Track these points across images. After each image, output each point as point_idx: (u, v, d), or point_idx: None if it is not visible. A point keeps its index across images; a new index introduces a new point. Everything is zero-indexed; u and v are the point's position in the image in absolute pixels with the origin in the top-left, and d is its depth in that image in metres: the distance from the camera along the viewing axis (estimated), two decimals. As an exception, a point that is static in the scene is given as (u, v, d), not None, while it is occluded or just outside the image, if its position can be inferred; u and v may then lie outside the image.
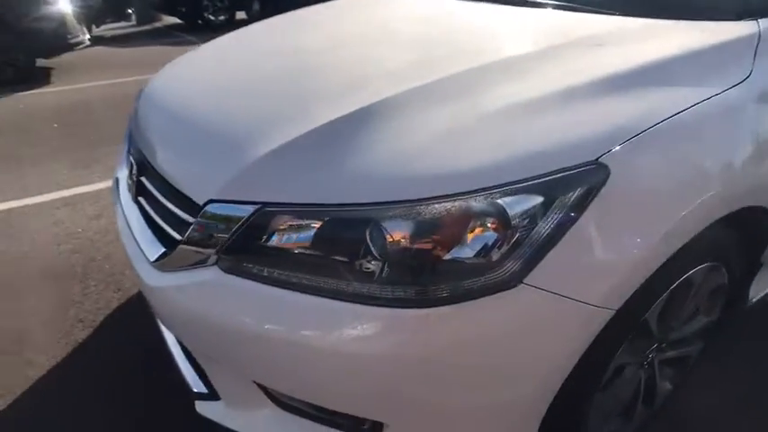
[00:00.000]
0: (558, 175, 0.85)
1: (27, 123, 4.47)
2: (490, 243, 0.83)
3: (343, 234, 0.88)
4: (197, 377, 1.22)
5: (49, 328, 1.92)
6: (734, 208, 1.06)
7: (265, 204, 0.93)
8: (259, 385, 1.06)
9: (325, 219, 0.89)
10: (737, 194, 1.05)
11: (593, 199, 0.85)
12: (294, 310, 0.91)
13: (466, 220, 0.83)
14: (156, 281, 1.11)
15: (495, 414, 0.96)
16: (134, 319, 1.25)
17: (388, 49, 1.35)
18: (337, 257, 0.89)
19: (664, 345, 1.30)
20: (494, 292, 0.83)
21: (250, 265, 0.96)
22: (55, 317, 1.98)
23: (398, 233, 0.83)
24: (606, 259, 0.88)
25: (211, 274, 1.00)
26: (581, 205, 0.85)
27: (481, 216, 0.83)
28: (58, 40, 6.13)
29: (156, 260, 1.12)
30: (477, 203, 0.83)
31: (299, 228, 0.91)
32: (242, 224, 0.95)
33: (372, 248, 0.84)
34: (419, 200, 0.83)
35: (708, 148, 0.98)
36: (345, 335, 0.86)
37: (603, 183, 0.86)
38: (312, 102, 1.09)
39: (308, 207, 0.90)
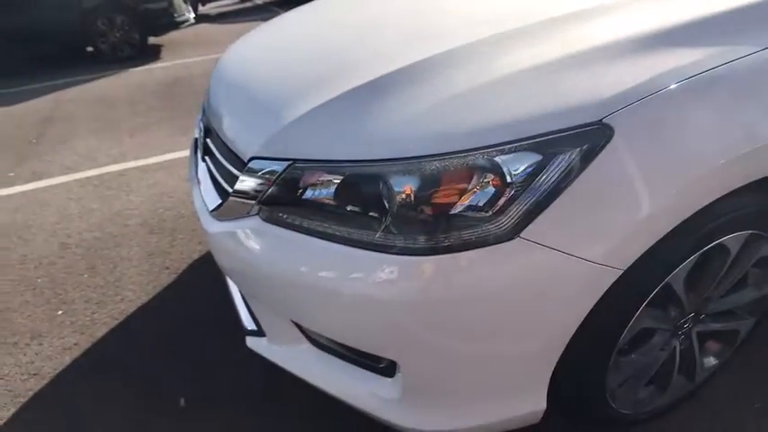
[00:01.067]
0: (559, 135, 0.87)
1: (136, 95, 5.00)
2: (488, 198, 0.88)
3: (360, 188, 0.97)
4: (248, 315, 1.39)
5: (141, 273, 2.23)
6: (758, 176, 1.00)
7: (296, 161, 1.05)
8: (295, 324, 1.20)
9: (346, 174, 0.98)
10: (763, 160, 0.99)
11: (593, 159, 0.87)
12: (320, 257, 1.02)
13: (465, 176, 0.89)
14: (212, 228, 1.27)
15: (499, 364, 1.01)
16: (212, 266, 1.46)
17: (414, 22, 1.40)
18: (355, 209, 0.98)
19: (703, 316, 1.27)
20: (491, 244, 0.89)
21: (284, 215, 1.08)
22: (146, 264, 2.29)
23: (404, 187, 0.91)
24: (607, 218, 0.89)
25: (253, 222, 1.14)
26: (581, 165, 0.87)
27: (479, 172, 0.88)
28: (167, 18, 6.71)
29: (214, 210, 1.29)
30: (475, 161, 0.89)
31: (324, 182, 1.01)
32: (276, 178, 1.07)
33: (384, 201, 0.93)
34: (422, 156, 0.90)
35: (727, 112, 0.94)
36: (362, 279, 0.96)
37: (606, 143, 0.87)
38: (345, 70, 1.18)
39: (331, 163, 1.00)
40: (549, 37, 1.06)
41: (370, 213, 0.95)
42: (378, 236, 0.94)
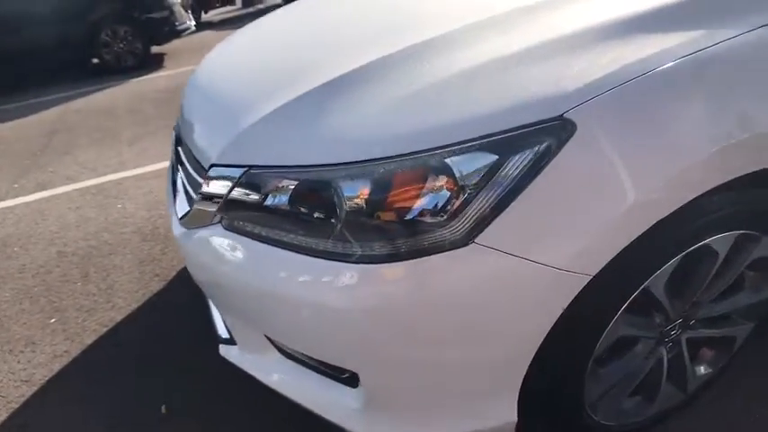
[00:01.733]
0: (516, 132, 0.82)
1: (137, 105, 5.03)
2: (441, 202, 0.83)
3: (313, 194, 0.93)
4: (222, 323, 1.36)
5: (132, 281, 2.22)
6: (750, 169, 0.94)
7: (251, 167, 1.01)
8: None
9: (299, 180, 0.94)
10: (748, 155, 0.93)
11: (553, 157, 0.82)
12: (278, 266, 0.98)
13: (416, 179, 0.84)
14: (180, 235, 1.25)
15: (464, 374, 0.96)
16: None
17: (371, 21, 1.36)
18: (310, 216, 0.94)
19: (693, 322, 1.20)
20: (446, 251, 0.84)
21: (243, 224, 1.05)
22: (137, 272, 2.28)
23: (354, 193, 0.86)
24: (570, 221, 0.84)
25: (215, 231, 1.11)
26: (540, 163, 0.82)
27: (431, 175, 0.84)
28: (168, 27, 6.76)
29: (181, 218, 1.26)
30: (426, 163, 0.84)
31: (280, 189, 0.97)
32: (233, 185, 1.04)
33: (335, 207, 0.89)
34: (371, 160, 0.85)
35: (701, 104, 0.88)
36: (318, 288, 0.92)
37: (568, 139, 0.82)
38: (308, 72, 1.14)
39: (286, 169, 0.97)
40: (510, 29, 1.01)
41: (325, 221, 0.91)
42: (331, 244, 0.89)
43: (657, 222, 0.90)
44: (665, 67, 0.86)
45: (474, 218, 0.83)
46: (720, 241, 1.04)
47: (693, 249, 1.00)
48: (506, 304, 0.88)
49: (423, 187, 0.84)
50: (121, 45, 6.57)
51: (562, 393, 1.08)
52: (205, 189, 1.12)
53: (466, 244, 0.84)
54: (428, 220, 0.84)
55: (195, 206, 1.17)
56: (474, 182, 0.82)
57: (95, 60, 6.69)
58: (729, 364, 1.36)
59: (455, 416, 1.03)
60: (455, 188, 0.83)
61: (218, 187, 1.08)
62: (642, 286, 0.99)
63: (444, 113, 0.87)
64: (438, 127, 0.85)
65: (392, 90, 0.95)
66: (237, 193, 1.04)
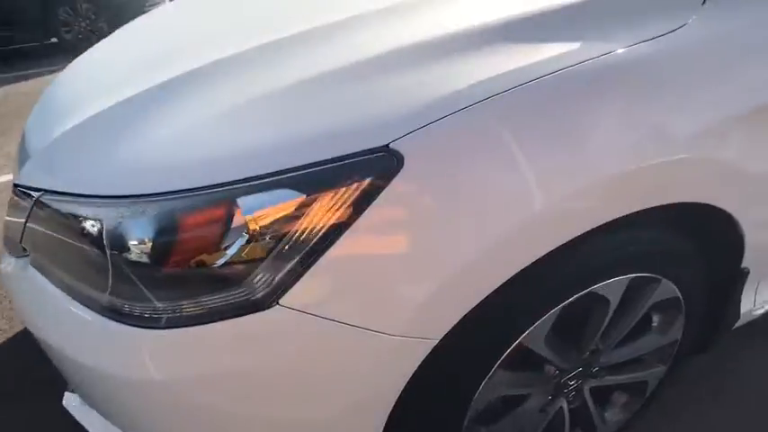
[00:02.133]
0: (328, 166, 0.64)
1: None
2: (231, 253, 0.65)
3: (88, 234, 0.74)
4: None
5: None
6: (635, 208, 0.77)
7: (45, 192, 0.83)
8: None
9: (77, 215, 0.75)
10: (628, 189, 0.76)
11: (375, 197, 0.64)
12: (62, 315, 0.80)
13: (197, 223, 0.65)
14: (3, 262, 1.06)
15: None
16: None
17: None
18: (82, 257, 0.76)
19: (594, 369, 1.04)
20: (240, 314, 0.66)
21: (40, 260, 0.87)
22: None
23: (125, 235, 0.68)
24: (400, 277, 0.66)
25: (21, 264, 0.93)
26: (360, 204, 0.64)
27: (218, 218, 0.65)
28: (137, 3, 6.45)
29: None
30: (212, 202, 0.65)
31: (66, 223, 0.79)
32: (29, 212, 0.85)
33: (106, 251, 0.70)
34: (144, 195, 0.67)
35: (571, 133, 0.70)
36: (86, 346, 0.74)
37: (394, 175, 0.64)
38: (119, 86, 0.95)
39: (73, 197, 0.78)
40: (333, 42, 0.83)
41: (94, 265, 0.73)
42: (105, 299, 0.71)
43: (519, 273, 0.72)
44: (516, 89, 0.68)
45: (277, 274, 0.65)
46: (610, 287, 0.87)
47: (575, 299, 0.84)
48: (327, 375, 0.71)
49: (210, 233, 0.65)
50: (83, 24, 6.25)
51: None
52: (7, 216, 0.93)
53: (269, 306, 0.66)
54: (218, 273, 0.66)
55: (6, 232, 0.98)
56: (275, 228, 0.64)
57: (54, 40, 6.37)
58: (647, 406, 1.21)
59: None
60: (251, 235, 0.65)
61: (20, 212, 0.90)
62: (515, 344, 0.83)
63: (238, 142, 0.68)
64: (230, 158, 0.66)
65: (189, 111, 0.76)
66: (32, 221, 0.85)
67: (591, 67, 0.71)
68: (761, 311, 1.26)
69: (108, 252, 0.68)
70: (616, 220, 0.77)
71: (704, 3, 0.81)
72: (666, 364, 1.13)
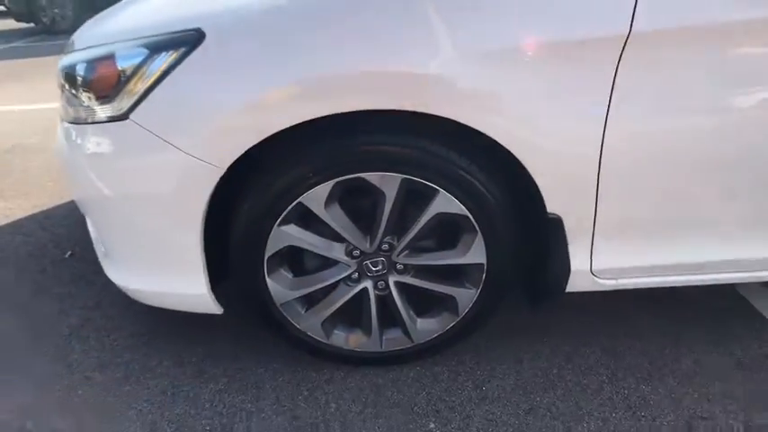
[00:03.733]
0: (164, 36, 1.08)
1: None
2: (111, 83, 1.12)
3: (76, 74, 1.25)
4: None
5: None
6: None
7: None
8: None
9: (72, 60, 1.26)
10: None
11: (186, 56, 1.06)
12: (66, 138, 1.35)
13: (101, 65, 1.14)
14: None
15: (148, 238, 1.24)
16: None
17: None
18: (72, 96, 1.27)
19: (398, 266, 1.29)
20: (111, 121, 1.13)
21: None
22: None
23: (81, 71, 1.19)
24: (203, 111, 1.07)
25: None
26: (177, 61, 1.06)
27: (107, 62, 1.13)
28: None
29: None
30: (103, 53, 1.15)
31: (69, 70, 1.30)
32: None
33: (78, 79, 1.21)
34: (90, 47, 1.20)
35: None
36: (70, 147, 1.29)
37: (197, 45, 1.05)
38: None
39: (74, 51, 1.29)
40: None
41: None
42: (73, 110, 1.23)
43: (289, 136, 1.07)
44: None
45: (131, 98, 1.10)
46: (382, 180, 1.15)
47: (348, 179, 1.14)
48: (157, 180, 1.14)
49: (103, 71, 1.14)
50: (56, 11, 7.57)
51: (251, 286, 1.27)
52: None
53: (124, 118, 1.11)
54: (99, 97, 1.14)
55: None
56: (133, 69, 1.10)
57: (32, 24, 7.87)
58: (468, 331, 1.41)
59: (155, 275, 1.29)
60: (119, 72, 1.11)
61: None
62: (297, 201, 1.16)
63: (142, 22, 1.17)
64: (113, 31, 1.19)
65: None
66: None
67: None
68: (611, 282, 1.32)
69: (79, 80, 1.19)
70: (380, 113, 1.06)
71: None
72: (477, 288, 1.31)
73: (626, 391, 1.35)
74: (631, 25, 1.00)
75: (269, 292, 1.29)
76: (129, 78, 1.10)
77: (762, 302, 1.64)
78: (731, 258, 1.29)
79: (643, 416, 1.28)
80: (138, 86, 1.09)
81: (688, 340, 1.50)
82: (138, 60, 1.09)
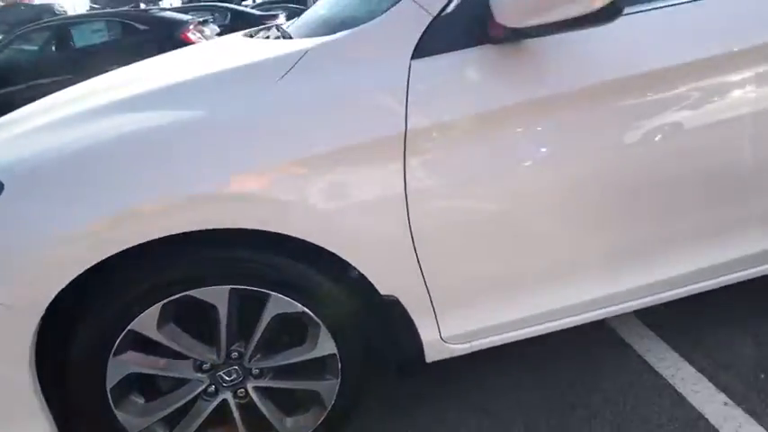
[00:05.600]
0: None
1: None
2: None
3: None
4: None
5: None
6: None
7: None
8: None
9: None
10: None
11: None
12: None
13: None
14: None
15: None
16: None
17: None
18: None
19: (253, 371, 1.29)
20: None
21: None
22: None
23: None
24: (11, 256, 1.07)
25: None
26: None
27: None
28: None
29: None
30: None
31: None
32: None
33: None
34: None
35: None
36: None
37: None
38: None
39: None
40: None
41: None
42: None
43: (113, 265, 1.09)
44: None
45: None
46: (209, 294, 1.17)
47: (174, 299, 1.16)
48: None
49: None
50: None
51: (96, 424, 1.23)
52: None
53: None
54: None
55: None
56: None
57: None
58: (344, 418, 1.40)
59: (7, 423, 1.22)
60: None
61: None
62: (127, 329, 1.16)
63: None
64: None
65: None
66: None
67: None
68: (464, 346, 1.37)
69: None
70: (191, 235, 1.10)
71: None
72: (337, 377, 1.33)
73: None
74: (406, 123, 1.13)
75: (120, 424, 1.25)
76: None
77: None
78: (576, 302, 1.38)
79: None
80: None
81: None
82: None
